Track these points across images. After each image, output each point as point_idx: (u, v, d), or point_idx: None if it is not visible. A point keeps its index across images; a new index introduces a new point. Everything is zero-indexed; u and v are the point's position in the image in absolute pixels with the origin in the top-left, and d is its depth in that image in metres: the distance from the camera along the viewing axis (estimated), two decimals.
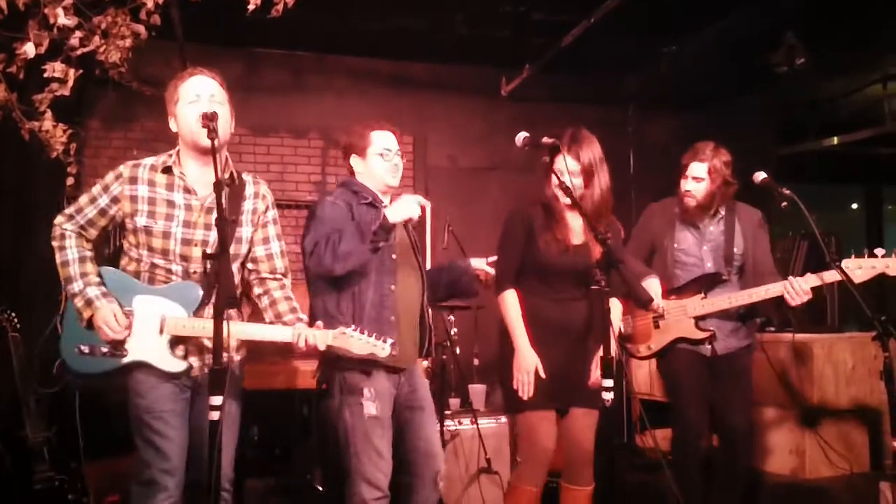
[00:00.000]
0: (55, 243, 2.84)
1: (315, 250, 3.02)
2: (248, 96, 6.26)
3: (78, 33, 4.08)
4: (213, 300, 2.75)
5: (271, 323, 2.93)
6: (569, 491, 3.33)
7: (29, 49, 3.95)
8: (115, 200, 2.81)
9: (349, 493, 3.10)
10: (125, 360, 2.75)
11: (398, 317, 3.18)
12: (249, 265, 3.00)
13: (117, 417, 2.94)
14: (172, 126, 2.86)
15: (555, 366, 3.24)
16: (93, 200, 2.84)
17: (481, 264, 3.52)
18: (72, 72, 4.13)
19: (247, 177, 2.97)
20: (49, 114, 4.20)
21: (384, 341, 2.78)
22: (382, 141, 3.31)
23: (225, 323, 2.40)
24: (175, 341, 2.78)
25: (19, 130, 4.19)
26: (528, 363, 3.21)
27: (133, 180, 2.80)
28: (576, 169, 3.17)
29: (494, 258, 3.45)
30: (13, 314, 3.98)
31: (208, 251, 2.79)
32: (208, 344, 2.77)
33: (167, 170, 2.84)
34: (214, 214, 2.73)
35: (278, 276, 3.02)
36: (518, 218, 3.35)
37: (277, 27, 4.55)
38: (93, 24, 4.12)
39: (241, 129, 6.29)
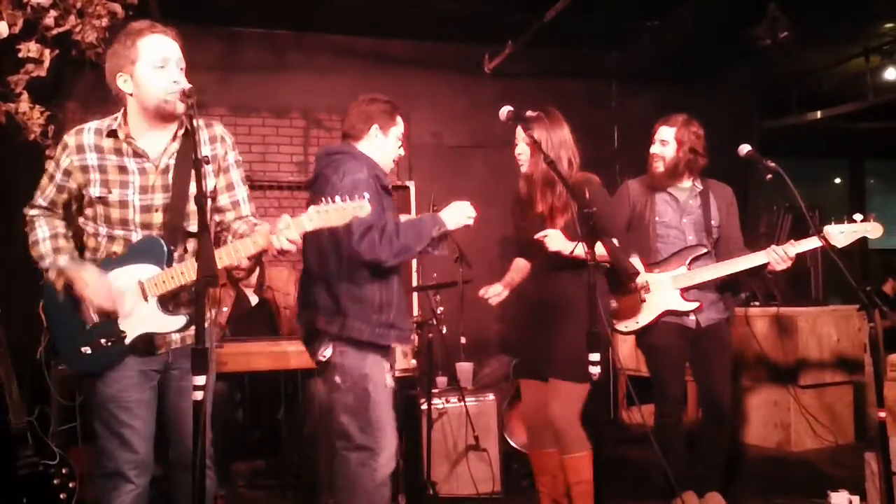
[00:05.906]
0: (27, 229, 2.73)
1: (369, 236, 2.90)
2: (227, 76, 6.20)
3: (53, 12, 4.01)
4: (180, 252, 2.64)
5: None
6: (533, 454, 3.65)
7: (2, 29, 3.86)
8: (66, 173, 2.65)
9: (362, 465, 2.99)
10: (128, 340, 2.59)
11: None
12: (216, 217, 2.79)
13: None
14: (125, 85, 2.59)
15: (530, 338, 3.51)
16: (51, 178, 2.69)
17: None
18: (47, 52, 4.06)
19: (200, 122, 2.55)
20: (25, 95, 4.11)
21: (360, 198, 2.54)
22: (402, 126, 3.29)
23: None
24: (164, 300, 2.60)
25: None
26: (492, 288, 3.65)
27: (80, 149, 2.63)
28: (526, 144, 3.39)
29: None
30: None
31: (161, 215, 2.63)
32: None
33: (112, 133, 2.64)
34: (171, 175, 2.64)
35: (247, 219, 2.80)
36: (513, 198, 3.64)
37: (256, 5, 4.49)
38: (68, 4, 4.05)
39: (221, 110, 6.21)
